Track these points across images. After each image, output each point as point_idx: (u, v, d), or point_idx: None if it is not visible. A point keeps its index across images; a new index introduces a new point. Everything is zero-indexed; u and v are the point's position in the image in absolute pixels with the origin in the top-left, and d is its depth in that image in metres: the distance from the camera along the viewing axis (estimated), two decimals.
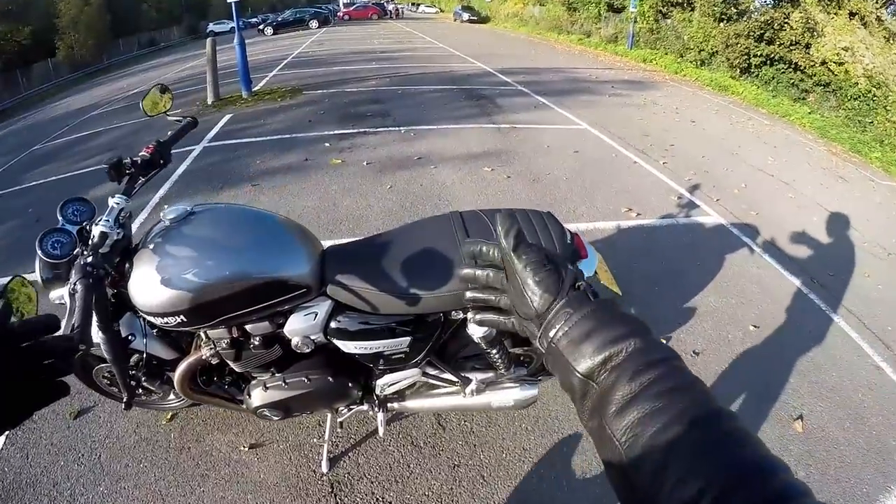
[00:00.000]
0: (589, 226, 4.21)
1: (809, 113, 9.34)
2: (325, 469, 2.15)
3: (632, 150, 6.03)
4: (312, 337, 1.70)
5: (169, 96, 1.87)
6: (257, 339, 1.67)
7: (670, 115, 7.95)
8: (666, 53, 13.94)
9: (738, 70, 11.50)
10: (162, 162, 1.66)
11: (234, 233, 1.59)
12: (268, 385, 1.82)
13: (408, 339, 1.76)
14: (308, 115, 7.29)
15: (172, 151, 1.77)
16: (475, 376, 2.02)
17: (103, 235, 1.35)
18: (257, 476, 2.16)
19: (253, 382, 1.87)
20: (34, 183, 5.74)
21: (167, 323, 1.51)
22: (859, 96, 9.01)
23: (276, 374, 1.81)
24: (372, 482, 2.14)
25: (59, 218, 1.38)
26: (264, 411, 1.89)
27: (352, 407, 2.10)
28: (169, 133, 1.76)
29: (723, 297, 3.43)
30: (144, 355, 1.69)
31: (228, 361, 1.72)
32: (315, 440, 2.30)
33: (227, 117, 7.27)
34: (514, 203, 4.52)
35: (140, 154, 1.59)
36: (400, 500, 2.09)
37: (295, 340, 1.69)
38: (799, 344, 3.07)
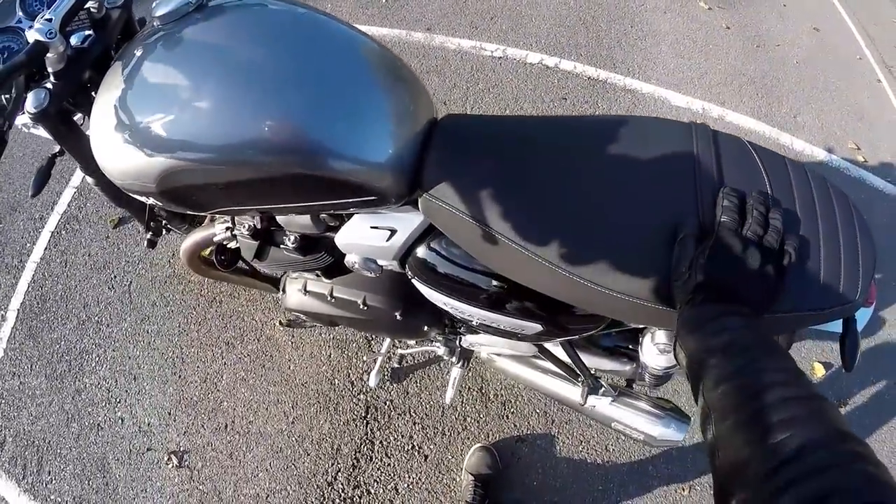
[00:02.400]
0: (807, 149, 3.21)
1: None
2: (372, 383, 1.83)
3: (878, 62, 4.57)
4: (381, 262, 1.12)
5: None
6: (292, 237, 1.14)
7: None
8: None
9: None
10: None
11: (270, 60, 0.86)
12: (308, 289, 1.30)
13: (537, 326, 1.11)
14: None
15: None
16: (606, 377, 1.51)
17: (37, 49, 0.79)
18: (286, 366, 1.94)
19: (291, 275, 1.35)
20: None
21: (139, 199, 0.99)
22: None
23: (322, 280, 1.28)
24: (415, 423, 1.87)
25: (18, 11, 0.89)
26: (300, 316, 1.47)
27: (422, 343, 1.74)
28: None
29: None
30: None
31: (246, 257, 1.24)
32: (364, 338, 1.99)
33: None
34: (725, 68, 3.49)
35: None
36: (437, 458, 1.82)
37: (351, 259, 1.12)
38: None
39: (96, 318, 2.02)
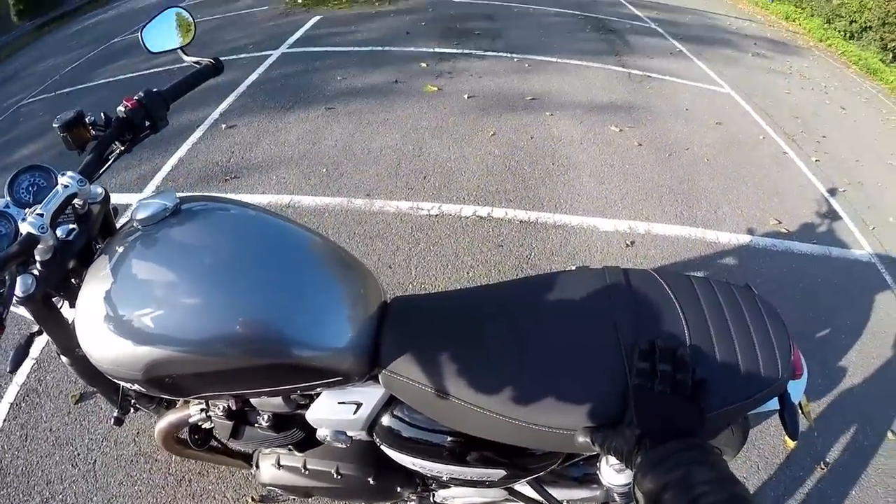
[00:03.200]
0: (733, 238, 3.41)
1: None
2: None
3: (781, 135, 5.06)
4: (350, 434, 1.19)
5: (188, 24, 1.34)
6: (265, 416, 1.19)
7: (819, 95, 6.79)
8: (812, 15, 12.23)
9: (892, 55, 9.89)
10: (149, 124, 1.15)
11: (238, 263, 0.98)
12: (282, 463, 1.36)
13: (501, 471, 1.19)
14: (407, 25, 6.38)
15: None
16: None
17: (29, 241, 0.85)
18: None
19: (263, 452, 1.40)
20: (103, 81, 5.22)
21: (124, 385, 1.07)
22: None
23: (295, 453, 1.33)
24: None
25: (6, 197, 0.93)
26: (275, 490, 1.49)
27: None
28: (172, 82, 1.22)
29: (866, 380, 2.73)
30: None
31: (222, 437, 1.27)
32: None
33: (316, 19, 6.44)
34: (643, 184, 3.77)
35: (118, 110, 1.10)
36: None
37: (322, 433, 1.18)
38: None
39: (61, 497, 1.92)
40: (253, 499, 1.91)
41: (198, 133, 3.81)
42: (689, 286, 1.09)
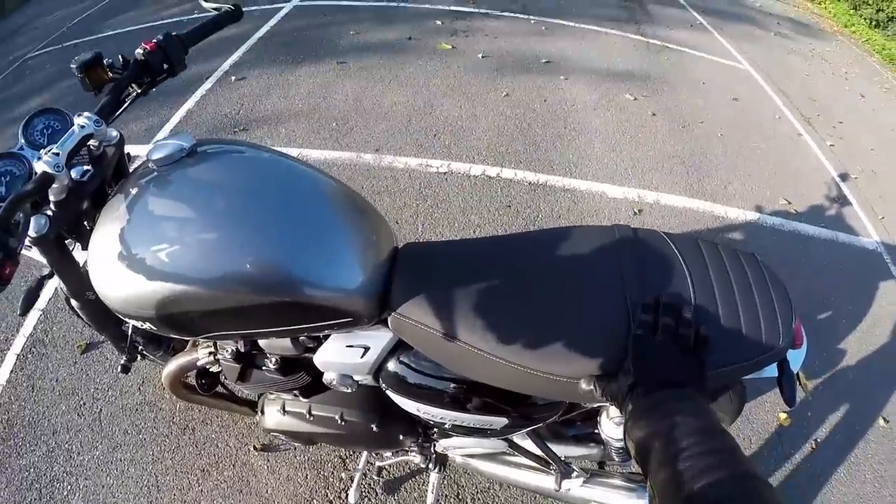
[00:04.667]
0: (741, 214, 3.40)
1: None
2: (352, 500, 1.78)
3: (797, 116, 4.98)
4: (356, 377, 1.21)
5: None
6: (273, 359, 1.21)
7: (839, 80, 6.70)
8: (839, 0, 12.03)
9: None
10: (167, 67, 1.15)
11: (252, 203, 0.99)
12: (287, 409, 1.39)
13: (503, 420, 1.22)
14: None
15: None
16: (577, 462, 1.59)
17: (44, 179, 0.84)
18: (264, 489, 1.86)
19: (269, 397, 1.43)
20: (112, 32, 5.08)
21: (133, 324, 1.09)
22: None
23: (300, 399, 1.35)
24: None
25: (21, 139, 0.93)
26: (279, 436, 1.53)
27: (399, 454, 1.72)
28: (192, 26, 1.21)
29: (864, 365, 2.76)
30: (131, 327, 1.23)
31: (230, 379, 1.28)
32: (338, 457, 1.96)
33: None
34: (655, 153, 3.75)
35: (136, 52, 1.09)
36: None
37: (329, 376, 1.20)
38: None
39: (66, 446, 1.94)
40: (255, 447, 1.94)
41: (207, 85, 3.76)
42: (696, 248, 1.12)
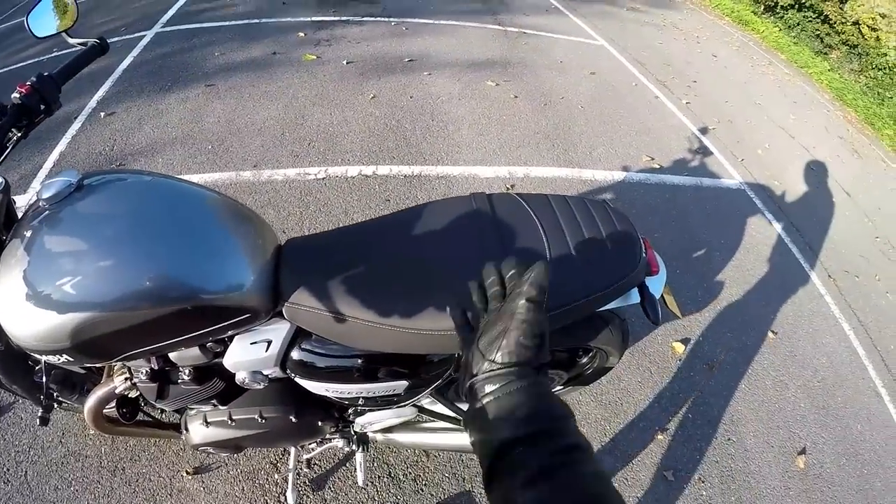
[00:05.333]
0: (608, 175, 3.66)
1: (829, 70, 8.66)
2: (291, 502, 1.79)
3: (653, 81, 5.38)
4: (266, 372, 1.25)
5: (70, 6, 1.35)
6: (186, 371, 1.23)
7: (692, 45, 7.24)
8: None
9: (763, 6, 10.62)
10: (43, 108, 1.14)
11: (141, 225, 1.03)
12: (209, 420, 1.41)
13: (404, 382, 1.32)
14: None
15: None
16: None
17: None
18: None
19: (190, 413, 1.45)
20: None
21: (50, 360, 1.05)
22: (884, 67, 8.35)
23: (219, 407, 1.38)
24: None
25: None
26: (207, 449, 1.53)
27: (323, 442, 1.79)
28: (61, 65, 1.22)
29: (744, 290, 3.11)
30: (42, 368, 1.22)
31: (149, 399, 1.29)
32: (269, 463, 1.97)
33: None
34: (521, 132, 3.95)
35: (12, 97, 1.09)
36: None
37: (240, 376, 1.23)
38: (813, 360, 2.84)
39: None
40: (187, 472, 1.94)
41: (76, 125, 3.61)
42: (546, 203, 1.31)
